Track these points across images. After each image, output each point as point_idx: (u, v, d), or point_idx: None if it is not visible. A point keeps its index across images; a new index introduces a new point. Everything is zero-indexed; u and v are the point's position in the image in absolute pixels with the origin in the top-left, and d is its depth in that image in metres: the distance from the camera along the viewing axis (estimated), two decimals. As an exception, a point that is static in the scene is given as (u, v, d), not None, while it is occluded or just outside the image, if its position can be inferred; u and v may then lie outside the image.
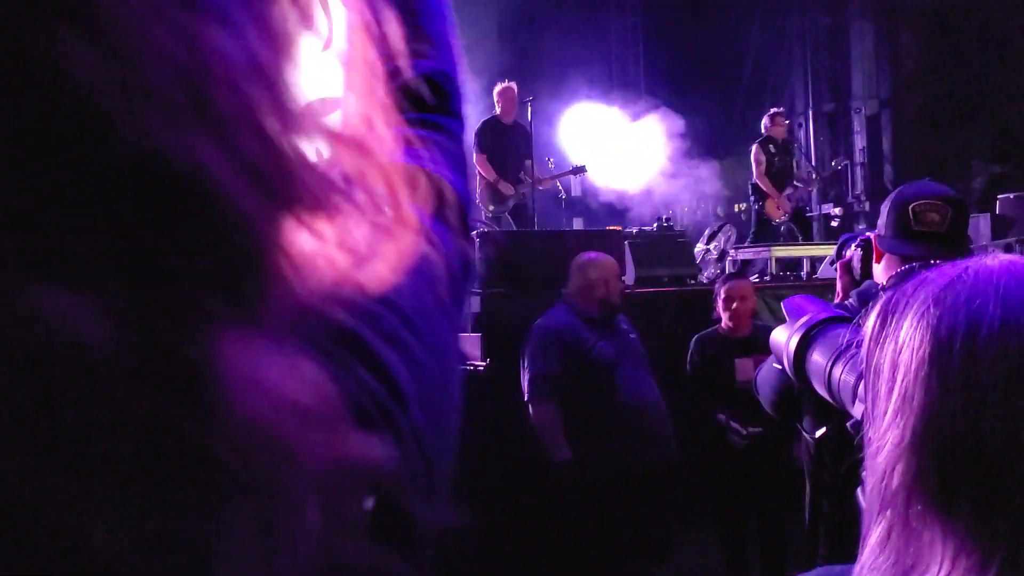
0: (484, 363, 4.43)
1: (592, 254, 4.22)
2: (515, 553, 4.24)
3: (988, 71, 11.41)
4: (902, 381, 0.70)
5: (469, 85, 0.63)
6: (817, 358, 1.34)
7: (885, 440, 0.70)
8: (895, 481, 0.69)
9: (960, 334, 0.68)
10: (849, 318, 1.37)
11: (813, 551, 2.27)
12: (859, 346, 1.24)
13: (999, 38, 11.31)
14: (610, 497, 3.87)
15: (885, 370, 0.72)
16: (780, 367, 1.49)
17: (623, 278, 4.98)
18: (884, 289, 2.24)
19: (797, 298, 1.58)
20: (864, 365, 0.76)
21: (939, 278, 0.72)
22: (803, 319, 1.41)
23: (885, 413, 0.71)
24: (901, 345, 0.71)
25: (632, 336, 4.16)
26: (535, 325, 4.08)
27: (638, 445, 3.88)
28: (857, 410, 1.15)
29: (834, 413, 2.23)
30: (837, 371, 1.27)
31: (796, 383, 1.42)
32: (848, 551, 2.62)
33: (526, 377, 4.00)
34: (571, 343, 4.00)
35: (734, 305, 4.41)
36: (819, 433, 2.19)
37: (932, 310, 0.70)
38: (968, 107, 11.81)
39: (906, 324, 0.71)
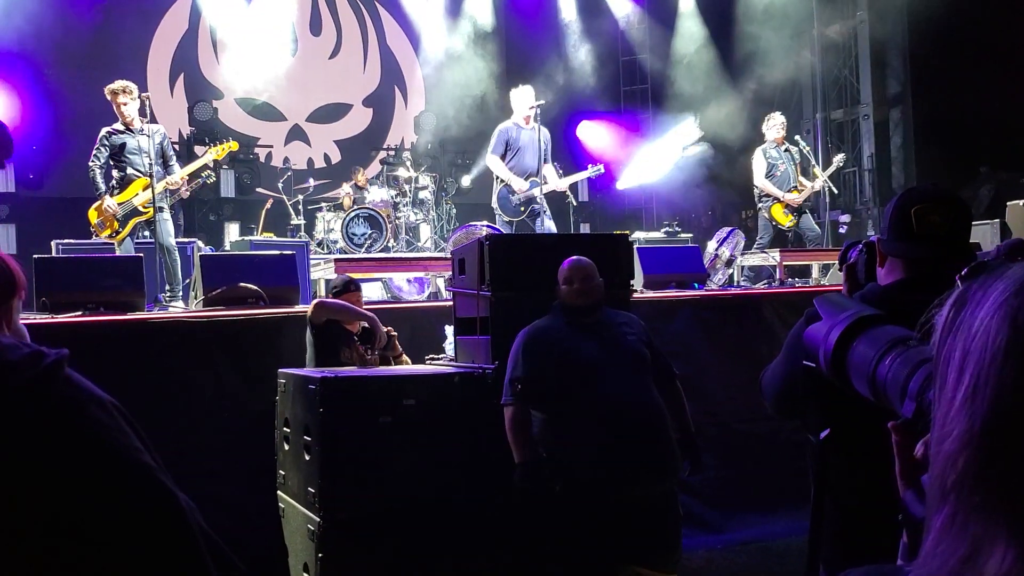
0: (492, 366, 4.44)
1: (569, 259, 4.22)
2: (522, 549, 4.26)
3: (996, 78, 11.40)
4: (975, 369, 0.69)
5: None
6: (862, 353, 1.28)
7: (952, 429, 0.69)
8: (959, 470, 0.68)
9: None
10: (891, 317, 1.31)
11: (817, 552, 2.27)
12: (908, 343, 1.15)
13: (1007, 45, 11.30)
14: (579, 497, 3.92)
15: (956, 358, 0.71)
16: (811, 364, 1.41)
17: (617, 280, 4.95)
18: (889, 290, 2.26)
19: (832, 295, 1.49)
20: (935, 353, 0.75)
21: (1019, 270, 0.71)
22: (845, 313, 1.35)
23: (953, 401, 0.70)
24: (975, 333, 0.69)
25: (630, 338, 4.12)
26: (521, 331, 4.15)
27: (616, 446, 3.88)
28: (907, 408, 1.11)
29: (839, 414, 2.25)
30: (884, 367, 1.21)
31: (834, 380, 1.34)
32: (852, 552, 2.62)
33: (504, 380, 4.12)
34: (548, 346, 4.06)
35: None
36: (823, 434, 2.18)
37: (1012, 300, 0.68)
38: (976, 114, 11.80)
39: (982, 313, 0.70)
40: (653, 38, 14.76)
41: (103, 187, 7.56)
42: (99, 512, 0.81)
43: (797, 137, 9.74)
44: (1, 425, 0.81)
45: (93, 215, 7.69)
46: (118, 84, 7.67)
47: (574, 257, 4.22)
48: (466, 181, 12.89)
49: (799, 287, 8.21)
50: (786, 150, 9.63)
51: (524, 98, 8.64)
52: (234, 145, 8.75)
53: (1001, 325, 0.68)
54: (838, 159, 10.35)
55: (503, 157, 8.58)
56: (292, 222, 10.45)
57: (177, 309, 6.86)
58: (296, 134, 13.16)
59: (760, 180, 9.54)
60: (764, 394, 2.55)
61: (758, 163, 9.60)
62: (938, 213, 2.22)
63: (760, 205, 9.67)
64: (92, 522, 0.81)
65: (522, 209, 8.52)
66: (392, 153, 12.15)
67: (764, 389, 2.54)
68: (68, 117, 10.65)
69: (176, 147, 8.50)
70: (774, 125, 9.64)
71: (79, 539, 0.80)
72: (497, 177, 8.66)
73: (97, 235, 7.70)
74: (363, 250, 9.54)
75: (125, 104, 7.53)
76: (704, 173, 13.27)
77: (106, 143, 7.60)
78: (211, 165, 8.34)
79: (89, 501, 0.81)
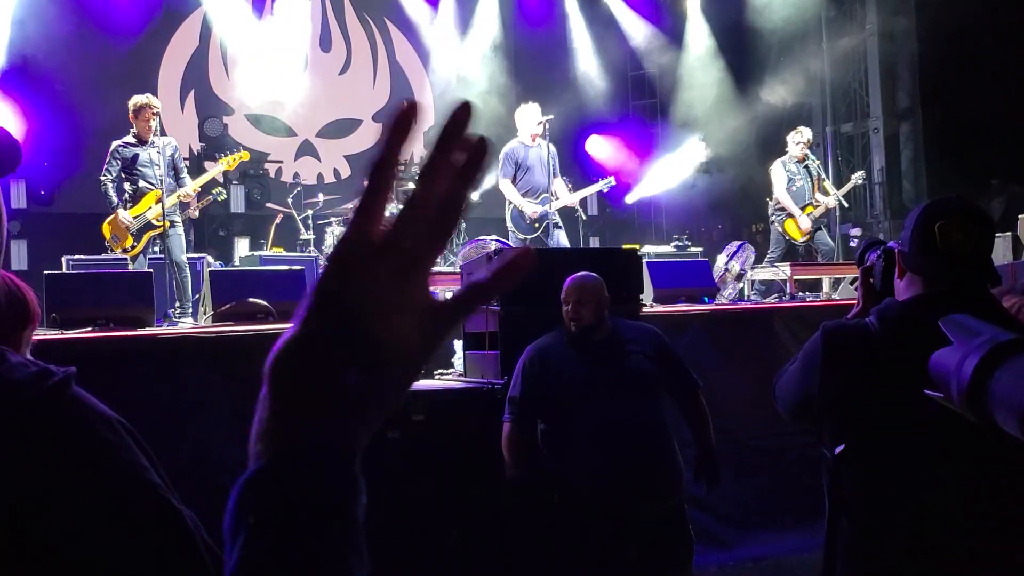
0: (501, 381, 4.43)
1: (572, 276, 4.12)
2: (529, 564, 4.24)
3: (1007, 90, 11.37)
4: None
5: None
6: (1007, 386, 1.13)
7: None
8: None
9: None
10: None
11: (832, 569, 2.25)
12: None
13: (1018, 57, 11.27)
14: (578, 515, 3.92)
15: None
16: (937, 395, 1.25)
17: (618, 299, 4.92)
18: (907, 306, 2.23)
19: (959, 316, 1.31)
20: None
21: None
22: (979, 340, 1.19)
23: None
24: None
25: (635, 356, 4.03)
26: (528, 347, 4.13)
27: (610, 466, 3.85)
28: None
29: (855, 430, 2.23)
30: None
31: (969, 415, 1.18)
32: (866, 569, 2.58)
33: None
34: (545, 366, 4.04)
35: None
36: (838, 450, 2.15)
37: None
38: (987, 127, 11.76)
39: None
40: (662, 52, 14.76)
41: (116, 200, 7.57)
42: (104, 531, 0.80)
43: (808, 151, 9.70)
44: (6, 445, 0.80)
45: (107, 230, 7.71)
46: (143, 99, 7.68)
47: (577, 275, 4.14)
48: (474, 195, 12.85)
49: (810, 301, 8.16)
50: (805, 165, 9.58)
51: (530, 116, 8.56)
52: (245, 155, 8.75)
53: None
54: (857, 176, 10.30)
55: (513, 179, 8.51)
56: (302, 237, 10.47)
57: (186, 325, 6.87)
58: (306, 149, 13.20)
59: (780, 193, 9.45)
60: (777, 402, 2.52)
61: (778, 175, 9.50)
62: (961, 230, 2.19)
63: (773, 218, 9.60)
64: (97, 541, 0.80)
65: (536, 226, 8.46)
66: (402, 168, 12.17)
67: (778, 397, 2.52)
68: (79, 133, 10.70)
69: (186, 162, 8.51)
70: (799, 141, 9.56)
71: (84, 559, 0.79)
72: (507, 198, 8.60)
73: (112, 250, 7.71)
74: (372, 265, 9.53)
75: (147, 119, 7.54)
76: (713, 190, 13.28)
77: (117, 156, 7.61)
78: (220, 180, 8.36)
79: (95, 521, 0.81)
